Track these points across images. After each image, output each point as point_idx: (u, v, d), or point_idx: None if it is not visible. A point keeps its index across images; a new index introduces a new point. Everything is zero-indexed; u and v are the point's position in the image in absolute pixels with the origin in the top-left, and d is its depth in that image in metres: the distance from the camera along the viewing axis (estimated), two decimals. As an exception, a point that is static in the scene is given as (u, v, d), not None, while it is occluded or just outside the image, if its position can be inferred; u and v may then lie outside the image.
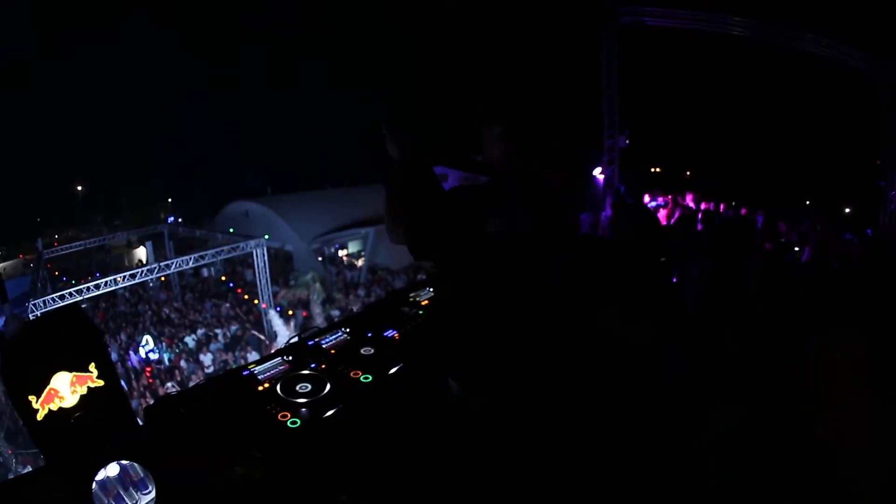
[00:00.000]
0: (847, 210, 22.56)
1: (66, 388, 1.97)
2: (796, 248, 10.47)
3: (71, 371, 1.99)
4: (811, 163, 23.50)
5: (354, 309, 19.87)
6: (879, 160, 13.61)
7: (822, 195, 22.88)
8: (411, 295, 4.12)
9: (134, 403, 15.37)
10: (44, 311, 14.83)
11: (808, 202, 22.82)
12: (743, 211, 13.07)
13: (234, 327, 19.75)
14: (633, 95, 16.74)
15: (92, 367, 2.04)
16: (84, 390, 2.01)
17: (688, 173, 28.07)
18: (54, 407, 1.94)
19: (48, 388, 1.93)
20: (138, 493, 2.12)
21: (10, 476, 12.27)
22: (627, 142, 16.49)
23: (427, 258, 2.28)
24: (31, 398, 1.91)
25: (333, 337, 3.38)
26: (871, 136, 14.49)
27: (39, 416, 1.92)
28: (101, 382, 2.06)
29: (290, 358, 3.11)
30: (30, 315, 15.12)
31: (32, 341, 2.03)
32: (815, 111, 23.29)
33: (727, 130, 27.14)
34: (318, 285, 22.29)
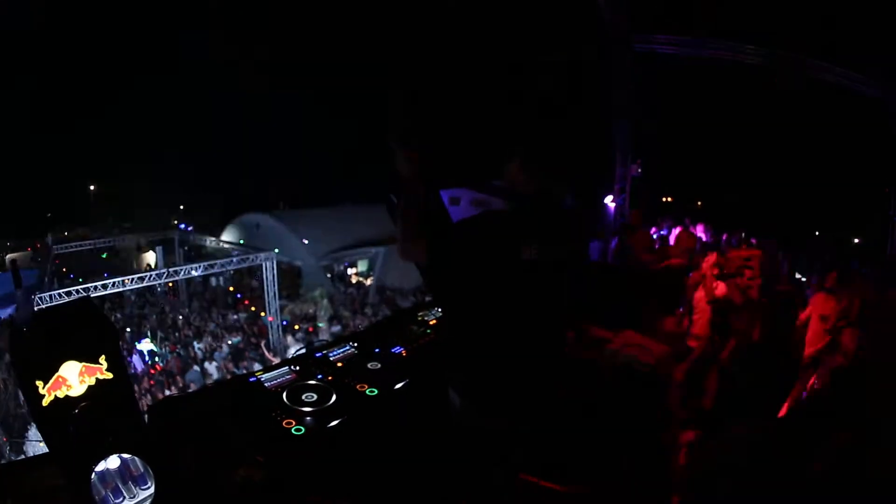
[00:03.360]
0: (856, 240, 22.50)
1: (74, 377, 1.97)
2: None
3: (80, 361, 1.99)
4: (820, 192, 23.52)
5: (360, 327, 19.89)
6: (888, 189, 13.57)
7: (832, 225, 22.81)
8: (419, 314, 4.16)
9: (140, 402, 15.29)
10: (55, 303, 14.90)
11: (817, 233, 22.76)
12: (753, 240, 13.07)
13: (238, 338, 19.77)
14: (645, 124, 16.78)
15: (102, 359, 2.04)
16: (92, 381, 2.01)
17: (699, 203, 28.03)
18: (61, 394, 1.94)
19: (56, 374, 1.93)
20: (137, 487, 2.12)
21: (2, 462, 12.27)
22: (640, 170, 16.47)
23: (437, 279, 2.42)
24: (39, 383, 1.91)
25: (341, 350, 3.41)
26: (880, 166, 14.55)
27: (45, 402, 1.92)
28: (109, 375, 2.05)
29: (298, 368, 3.14)
30: (35, 308, 15.09)
31: (44, 328, 2.04)
32: (824, 140, 23.34)
33: (739, 160, 27.19)
34: (325, 301, 22.32)
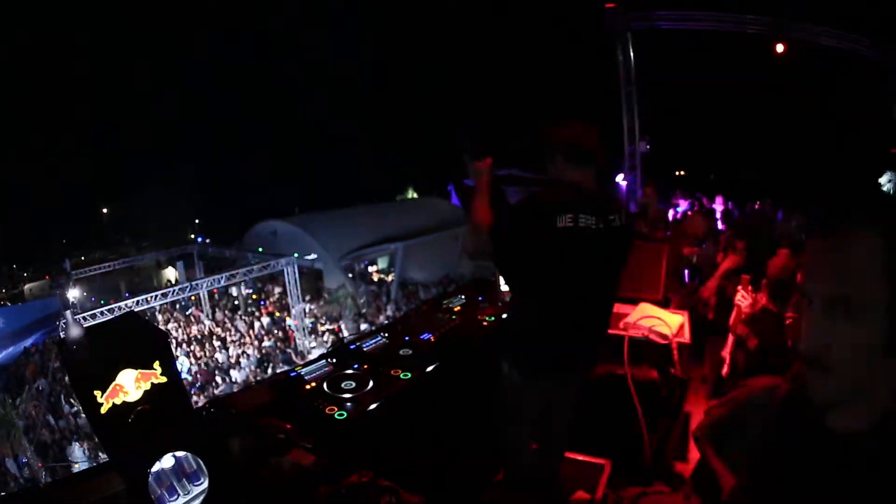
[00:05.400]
0: None
1: (130, 384, 2.07)
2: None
3: (136, 369, 2.09)
4: (826, 156, 23.29)
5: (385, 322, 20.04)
6: (894, 149, 13.54)
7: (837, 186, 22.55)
8: (444, 302, 4.37)
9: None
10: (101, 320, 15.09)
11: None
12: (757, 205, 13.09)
13: (269, 342, 19.95)
14: (653, 100, 16.76)
15: (156, 364, 2.15)
16: (148, 385, 2.11)
17: (712, 176, 27.77)
18: (118, 401, 2.04)
19: (114, 384, 2.03)
20: (191, 484, 2.21)
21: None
22: (648, 147, 16.55)
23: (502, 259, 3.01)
24: (97, 393, 2.00)
25: (373, 341, 3.60)
26: (884, 127, 14.47)
27: (103, 410, 2.01)
28: (164, 379, 2.16)
29: (334, 360, 3.31)
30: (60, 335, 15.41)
31: (99, 341, 2.14)
32: (829, 104, 23.11)
33: (747, 131, 26.92)
34: (349, 301, 22.48)
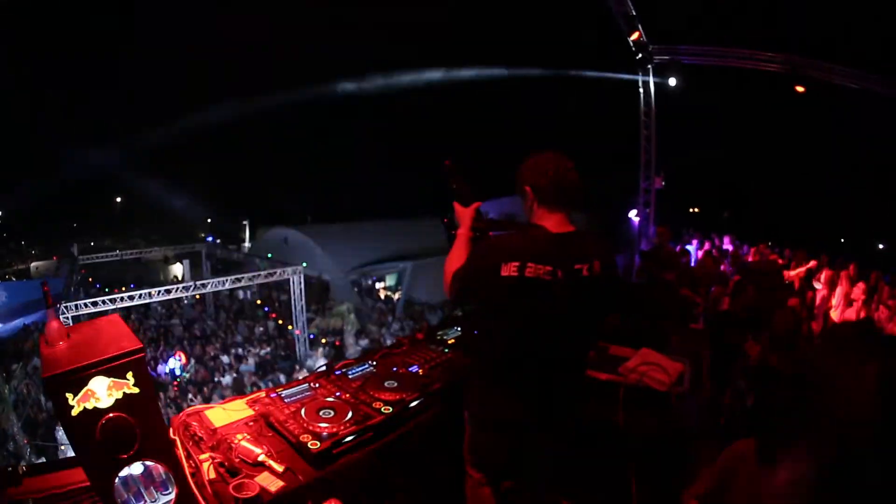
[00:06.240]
0: (881, 246, 22.17)
1: (102, 391, 2.06)
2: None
3: (109, 377, 2.07)
4: (844, 199, 23.16)
5: (388, 341, 20.00)
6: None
7: (856, 231, 22.46)
8: (439, 333, 4.28)
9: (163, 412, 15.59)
10: (87, 317, 15.21)
11: (842, 240, 22.45)
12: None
13: (265, 350, 19.92)
14: (670, 135, 16.75)
15: (129, 375, 2.12)
16: (120, 395, 2.09)
17: (726, 214, 27.71)
18: (89, 406, 2.03)
19: (85, 388, 2.02)
20: (158, 493, 2.23)
21: (23, 464, 12.45)
22: (663, 183, 16.46)
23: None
24: (69, 395, 1.99)
25: (360, 368, 3.55)
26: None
27: (74, 413, 2.00)
28: (136, 390, 2.13)
29: (317, 385, 3.27)
30: (60, 317, 15.41)
31: (75, 345, 2.16)
32: (845, 146, 23.04)
33: (763, 168, 26.89)
34: (352, 316, 22.43)
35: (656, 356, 4.20)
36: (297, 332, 20.70)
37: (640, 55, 15.15)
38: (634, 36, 14.73)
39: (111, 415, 2.06)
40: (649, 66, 15.57)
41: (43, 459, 13.18)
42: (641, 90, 15.88)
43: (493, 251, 2.60)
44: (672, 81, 15.11)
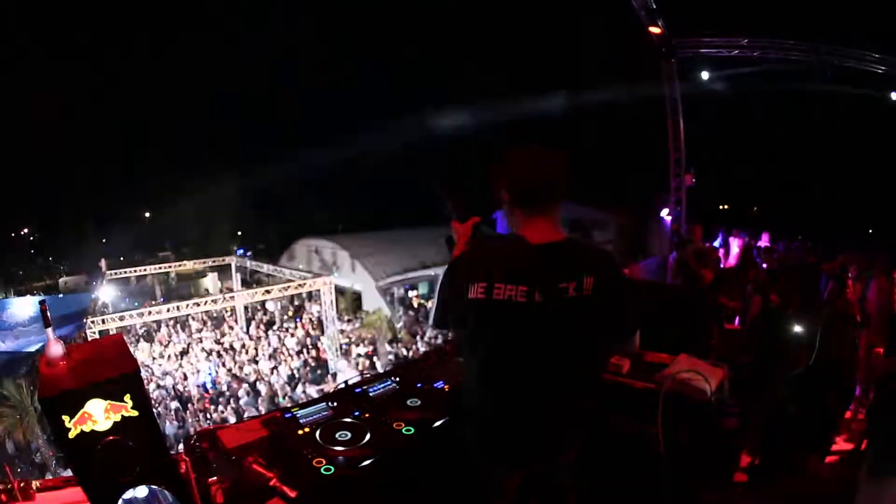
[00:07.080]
0: None
1: (100, 414, 2.01)
2: None
3: (106, 399, 2.02)
4: (874, 192, 22.85)
5: (421, 349, 19.98)
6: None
7: (887, 224, 22.19)
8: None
9: (190, 422, 15.84)
10: (90, 336, 15.46)
11: (870, 230, 22.14)
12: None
13: (295, 362, 19.96)
14: (698, 132, 16.47)
15: (127, 398, 2.06)
16: (118, 417, 2.04)
17: (755, 209, 27.44)
18: (87, 429, 1.98)
19: (82, 411, 1.97)
20: None
21: (48, 476, 12.71)
22: (694, 180, 16.10)
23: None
24: (65, 417, 1.95)
25: (382, 385, 3.36)
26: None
27: (71, 435, 1.96)
28: (135, 413, 2.08)
29: (335, 404, 3.10)
30: (87, 332, 15.78)
31: (74, 368, 2.09)
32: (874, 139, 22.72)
33: (791, 165, 26.64)
34: (385, 325, 22.44)
35: (696, 362, 3.97)
36: (327, 342, 20.72)
37: (663, 49, 14.87)
38: (656, 30, 14.47)
39: (109, 438, 2.01)
40: (673, 61, 15.30)
41: (69, 472, 13.37)
42: (667, 86, 15.62)
43: (462, 269, 2.32)
44: (704, 75, 14.89)
